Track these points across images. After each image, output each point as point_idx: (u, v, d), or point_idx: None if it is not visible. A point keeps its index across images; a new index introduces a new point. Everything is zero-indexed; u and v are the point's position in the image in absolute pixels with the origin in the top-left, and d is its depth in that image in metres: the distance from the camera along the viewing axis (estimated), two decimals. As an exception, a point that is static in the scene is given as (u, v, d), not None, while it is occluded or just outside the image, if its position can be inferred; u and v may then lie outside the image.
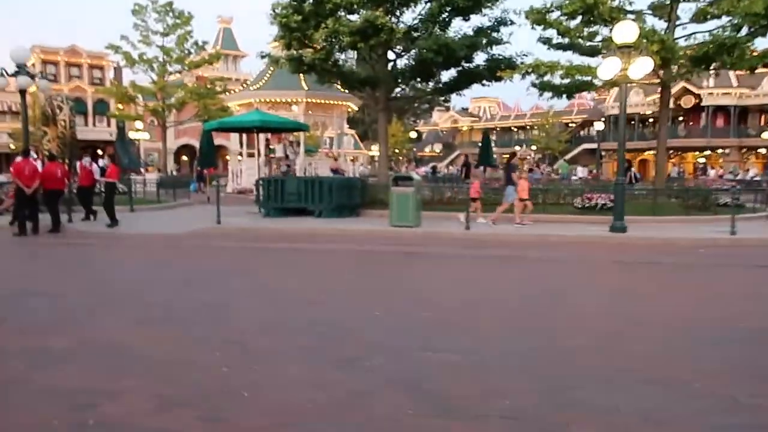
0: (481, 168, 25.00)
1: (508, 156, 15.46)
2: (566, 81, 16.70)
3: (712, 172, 38.52)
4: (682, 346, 4.73)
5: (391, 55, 18.08)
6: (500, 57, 17.46)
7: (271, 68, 24.24)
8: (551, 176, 34.65)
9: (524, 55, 16.94)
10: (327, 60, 17.01)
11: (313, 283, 7.29)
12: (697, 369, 4.11)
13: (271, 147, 23.87)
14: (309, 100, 25.34)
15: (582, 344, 4.71)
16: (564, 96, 17.86)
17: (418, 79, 19.44)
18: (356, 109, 28.10)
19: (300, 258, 9.64)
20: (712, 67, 15.72)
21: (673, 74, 16.76)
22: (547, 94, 17.56)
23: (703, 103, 44.17)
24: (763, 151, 43.38)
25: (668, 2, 16.46)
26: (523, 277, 7.92)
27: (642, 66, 11.33)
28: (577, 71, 15.51)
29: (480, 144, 30.19)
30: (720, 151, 45.28)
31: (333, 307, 5.95)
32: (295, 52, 17.19)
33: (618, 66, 11.35)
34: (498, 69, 16.73)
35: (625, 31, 11.18)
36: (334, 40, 15.92)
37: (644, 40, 13.20)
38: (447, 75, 18.77)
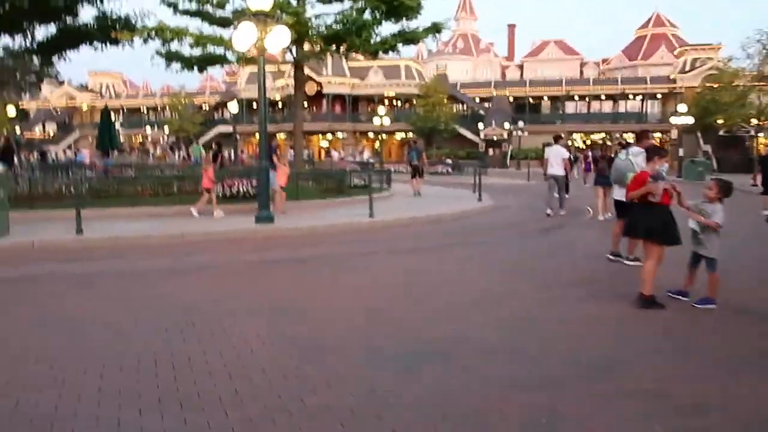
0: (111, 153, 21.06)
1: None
2: (197, 52, 14.76)
3: (335, 154, 41.99)
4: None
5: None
6: (115, 15, 14.34)
7: None
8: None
9: (145, 15, 14.24)
10: None
11: None
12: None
13: None
14: None
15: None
16: (196, 69, 15.81)
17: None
18: None
19: None
20: (342, 48, 15.76)
21: (307, 53, 16.33)
22: (176, 66, 15.30)
23: (324, 91, 47.83)
24: (371, 135, 49.31)
25: (297, -23, 15.89)
26: (150, 299, 5.80)
27: (279, 36, 10.21)
28: (208, 41, 13.74)
29: (99, 124, 25.74)
30: (339, 135, 49.98)
31: None
32: None
33: (254, 34, 10.01)
34: (113, 29, 13.70)
35: (261, -5, 9.87)
36: None
37: (279, 11, 12.22)
38: (44, 32, 14.71)
